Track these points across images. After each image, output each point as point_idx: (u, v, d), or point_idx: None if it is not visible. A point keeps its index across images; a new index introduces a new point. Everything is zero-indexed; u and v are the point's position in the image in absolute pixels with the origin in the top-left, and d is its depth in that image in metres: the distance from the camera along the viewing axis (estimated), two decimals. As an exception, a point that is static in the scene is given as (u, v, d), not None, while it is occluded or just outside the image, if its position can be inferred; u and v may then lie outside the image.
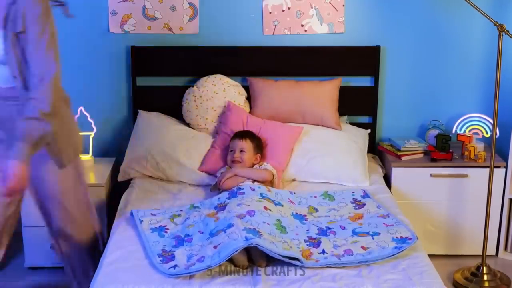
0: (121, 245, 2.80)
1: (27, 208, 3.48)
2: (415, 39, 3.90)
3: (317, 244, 2.78)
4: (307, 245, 2.77)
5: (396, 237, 2.82)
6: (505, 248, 3.84)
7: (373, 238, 2.81)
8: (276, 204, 3.05)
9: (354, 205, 3.19)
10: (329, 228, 2.94)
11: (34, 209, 3.49)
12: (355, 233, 2.88)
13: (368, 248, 2.73)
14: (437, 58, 3.93)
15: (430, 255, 2.84)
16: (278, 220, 2.88)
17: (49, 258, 3.56)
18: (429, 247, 3.67)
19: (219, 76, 3.77)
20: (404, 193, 3.70)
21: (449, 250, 3.82)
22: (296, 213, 3.06)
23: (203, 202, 3.16)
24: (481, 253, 3.58)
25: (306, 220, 3.01)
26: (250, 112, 3.77)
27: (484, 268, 3.54)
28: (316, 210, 3.14)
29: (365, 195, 3.28)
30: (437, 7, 3.84)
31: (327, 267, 2.62)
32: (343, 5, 3.82)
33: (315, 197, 3.25)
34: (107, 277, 2.55)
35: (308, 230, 2.91)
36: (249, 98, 3.83)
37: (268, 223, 2.79)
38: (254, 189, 3.11)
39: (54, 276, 3.54)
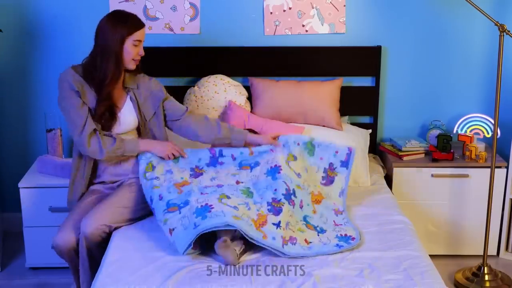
0: (122, 245, 2.81)
1: (27, 208, 3.49)
2: (416, 39, 3.90)
3: (277, 211, 2.83)
4: (267, 209, 2.82)
5: (340, 235, 2.86)
6: (506, 248, 3.83)
7: (318, 235, 2.86)
8: (252, 167, 3.11)
9: (324, 176, 3.19)
10: (294, 194, 2.96)
11: (34, 209, 3.51)
12: (305, 220, 2.94)
13: (311, 242, 2.78)
14: (438, 58, 3.93)
15: (431, 255, 2.84)
16: (248, 188, 2.97)
17: (50, 258, 3.55)
18: (430, 247, 3.68)
19: (220, 76, 3.77)
20: (405, 193, 3.70)
21: (450, 250, 3.81)
22: (272, 166, 3.07)
23: (185, 160, 3.16)
24: (482, 253, 3.57)
25: (279, 173, 3.02)
26: (251, 112, 3.76)
27: (485, 268, 3.54)
28: (295, 158, 3.16)
29: (346, 161, 3.21)
30: (438, 7, 3.84)
31: (326, 266, 2.63)
32: (344, 5, 3.82)
33: (298, 144, 3.22)
34: (109, 277, 2.55)
35: (276, 190, 2.93)
36: (250, 99, 3.83)
37: (232, 193, 2.86)
38: (235, 158, 3.16)
39: (55, 276, 3.54)
